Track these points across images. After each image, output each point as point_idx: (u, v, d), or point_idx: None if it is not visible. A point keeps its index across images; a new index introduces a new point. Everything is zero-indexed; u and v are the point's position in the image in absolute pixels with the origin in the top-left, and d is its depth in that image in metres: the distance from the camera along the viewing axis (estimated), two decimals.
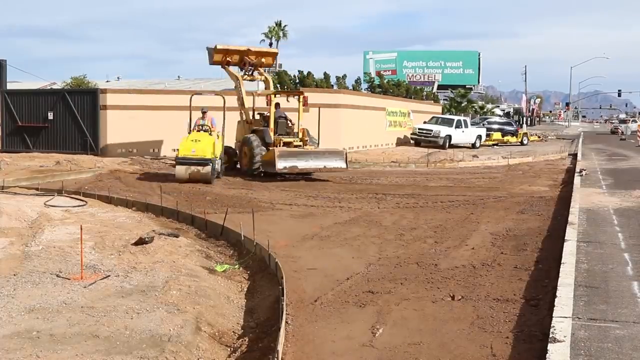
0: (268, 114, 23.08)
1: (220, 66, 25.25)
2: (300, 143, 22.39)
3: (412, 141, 42.59)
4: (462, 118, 46.87)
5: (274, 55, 27.68)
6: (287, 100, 24.60)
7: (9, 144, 32.77)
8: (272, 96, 23.23)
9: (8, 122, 32.92)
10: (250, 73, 25.23)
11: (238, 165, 23.64)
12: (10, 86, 35.36)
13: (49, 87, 54.77)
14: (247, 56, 24.74)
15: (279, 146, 21.78)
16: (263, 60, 25.51)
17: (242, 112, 24.48)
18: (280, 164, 20.98)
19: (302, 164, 21.52)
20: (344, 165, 22.14)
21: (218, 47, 24.60)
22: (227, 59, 24.73)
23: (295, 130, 23.03)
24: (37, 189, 17.26)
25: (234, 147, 24.19)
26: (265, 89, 25.15)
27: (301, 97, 23.33)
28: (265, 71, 26.35)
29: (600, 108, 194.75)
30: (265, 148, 21.90)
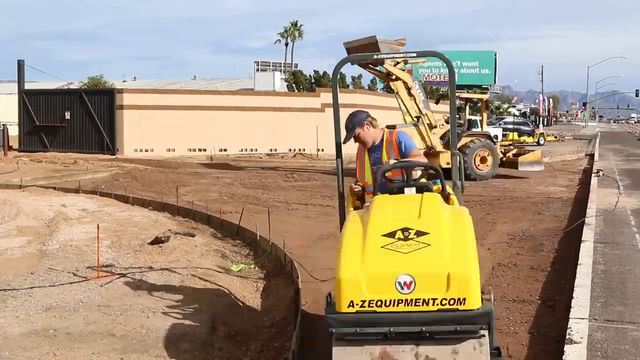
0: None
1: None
2: None
3: None
4: (478, 118, 46.69)
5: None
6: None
7: (26, 144, 33.07)
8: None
9: (26, 121, 33.24)
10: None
11: None
12: (27, 86, 35.63)
13: (66, 87, 55.13)
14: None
15: None
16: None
17: (426, 114, 22.69)
18: None
19: None
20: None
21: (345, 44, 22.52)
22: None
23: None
24: (54, 188, 17.39)
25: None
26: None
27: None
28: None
29: (617, 108, 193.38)
30: None
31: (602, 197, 15.83)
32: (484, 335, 4.51)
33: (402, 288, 4.41)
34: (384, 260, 4.51)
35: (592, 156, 33.11)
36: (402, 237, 4.64)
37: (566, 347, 5.65)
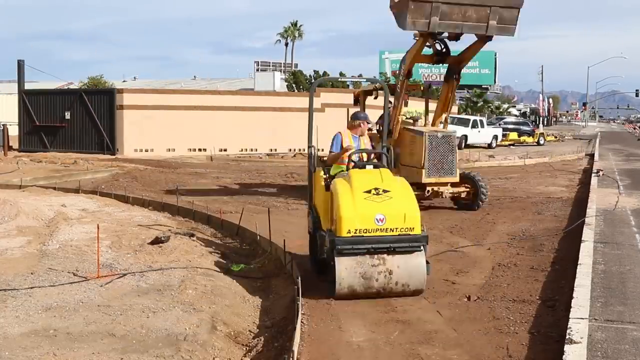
0: None
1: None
2: None
3: None
4: (478, 118, 46.72)
5: None
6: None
7: (26, 144, 33.05)
8: None
9: (26, 121, 33.21)
10: None
11: None
12: (27, 86, 35.60)
13: (66, 87, 55.10)
14: None
15: None
16: None
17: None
18: None
19: None
20: None
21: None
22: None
23: None
24: (54, 188, 17.38)
25: None
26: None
27: None
28: None
29: (617, 108, 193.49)
30: None
31: (602, 197, 15.83)
32: (422, 250, 7.76)
33: (378, 222, 7.59)
34: (366, 206, 7.66)
35: (592, 156, 33.10)
36: (375, 193, 7.76)
37: (566, 347, 5.65)
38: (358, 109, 19.17)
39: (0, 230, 11.14)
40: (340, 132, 9.15)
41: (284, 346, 6.03)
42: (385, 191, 7.78)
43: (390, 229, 7.59)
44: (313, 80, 51.95)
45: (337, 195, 7.71)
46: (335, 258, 7.51)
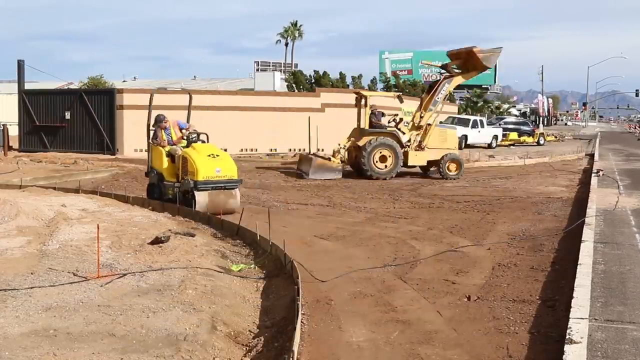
0: None
1: None
2: None
3: None
4: (478, 118, 46.71)
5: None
6: None
7: (26, 144, 33.02)
8: None
9: (26, 121, 33.18)
10: None
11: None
12: (27, 86, 35.56)
13: (66, 87, 55.07)
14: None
15: None
16: None
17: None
18: None
19: None
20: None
21: None
22: None
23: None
24: (54, 188, 17.37)
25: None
26: None
27: None
28: None
29: (617, 108, 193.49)
30: None
31: (602, 197, 15.83)
32: (238, 188, 14.39)
33: (217, 172, 13.89)
34: (210, 163, 13.88)
35: (592, 156, 33.10)
36: (212, 156, 14.08)
37: (566, 347, 5.65)
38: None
39: (0, 230, 11.14)
40: (157, 130, 15.40)
41: (284, 346, 6.03)
42: (217, 155, 14.07)
43: (223, 176, 13.81)
44: (313, 80, 52.01)
45: (193, 158, 13.80)
46: (196, 192, 13.48)
